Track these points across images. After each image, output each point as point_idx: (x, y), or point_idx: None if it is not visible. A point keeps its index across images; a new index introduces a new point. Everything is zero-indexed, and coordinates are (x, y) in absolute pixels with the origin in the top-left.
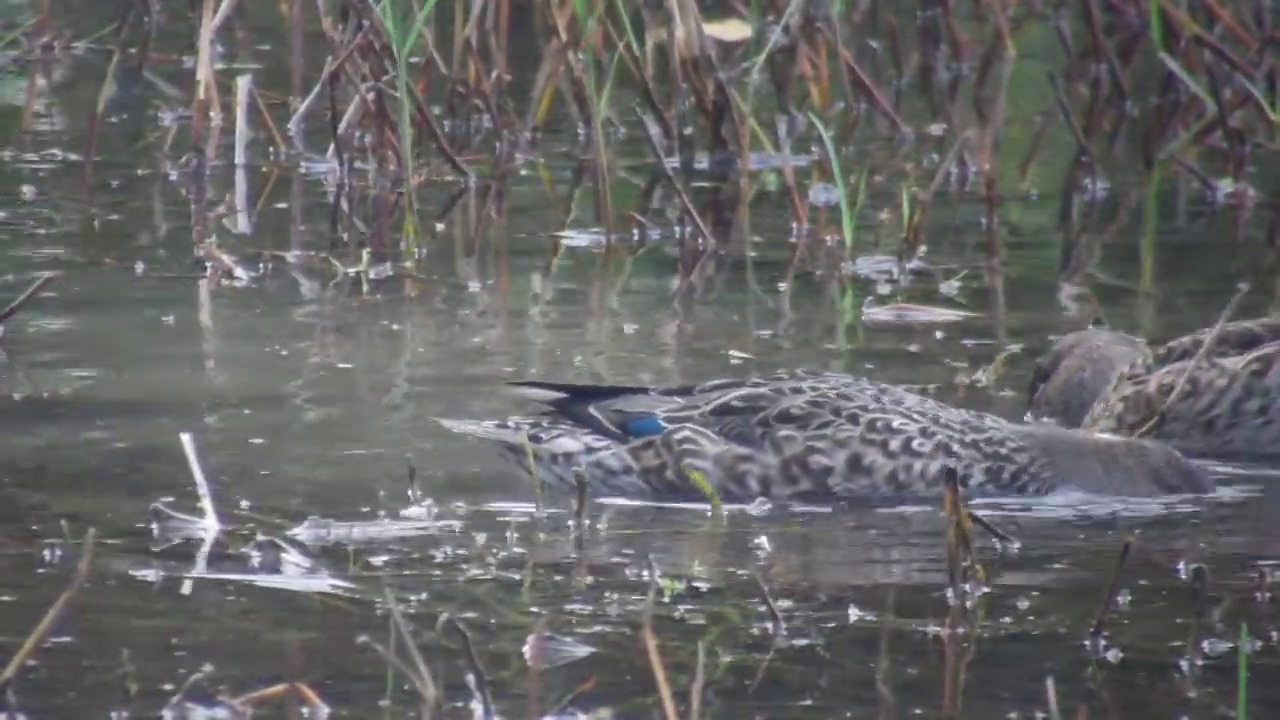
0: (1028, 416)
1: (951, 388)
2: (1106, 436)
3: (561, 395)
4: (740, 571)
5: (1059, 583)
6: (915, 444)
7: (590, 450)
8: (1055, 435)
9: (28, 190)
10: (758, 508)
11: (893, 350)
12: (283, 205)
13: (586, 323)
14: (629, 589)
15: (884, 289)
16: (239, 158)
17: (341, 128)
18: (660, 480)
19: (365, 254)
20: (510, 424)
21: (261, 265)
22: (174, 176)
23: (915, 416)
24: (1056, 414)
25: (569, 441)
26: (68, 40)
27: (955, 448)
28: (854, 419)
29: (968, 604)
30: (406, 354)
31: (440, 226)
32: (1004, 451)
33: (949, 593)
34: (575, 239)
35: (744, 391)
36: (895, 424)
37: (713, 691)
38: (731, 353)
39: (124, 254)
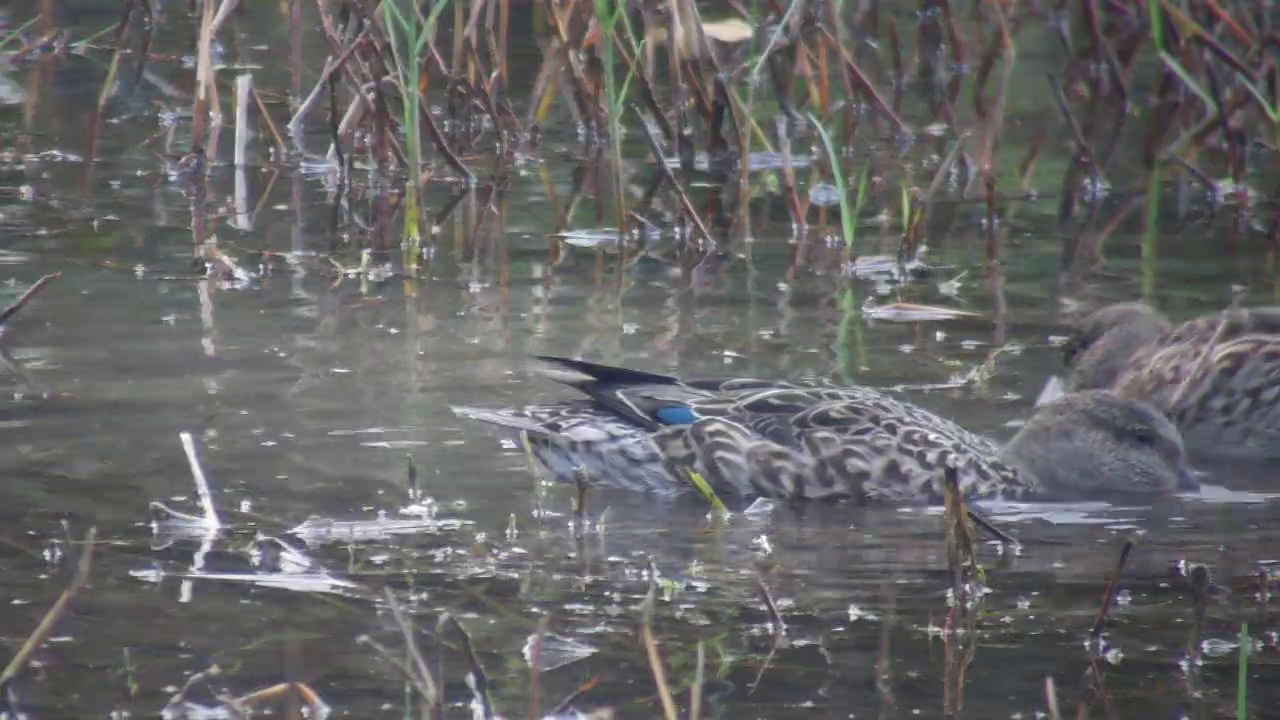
0: (1063, 383)
1: (946, 388)
2: (1034, 418)
3: (588, 377)
4: (741, 571)
5: (1059, 583)
6: (951, 459)
7: (614, 438)
8: (1011, 446)
9: (26, 190)
10: (758, 509)
11: (892, 350)
12: (283, 206)
13: (587, 323)
14: (629, 589)
15: (884, 289)
16: (239, 158)
17: (342, 128)
18: (686, 471)
19: (365, 255)
20: (527, 413)
21: (262, 266)
22: (174, 177)
23: (946, 433)
24: (1087, 387)
25: (590, 429)
26: (67, 40)
27: (984, 467)
28: (892, 429)
29: (968, 604)
30: (407, 354)
31: (440, 227)
32: (1008, 474)
33: (949, 593)
34: (584, 239)
35: (780, 390)
36: (931, 437)
37: (713, 692)
38: (726, 353)
39: (124, 255)
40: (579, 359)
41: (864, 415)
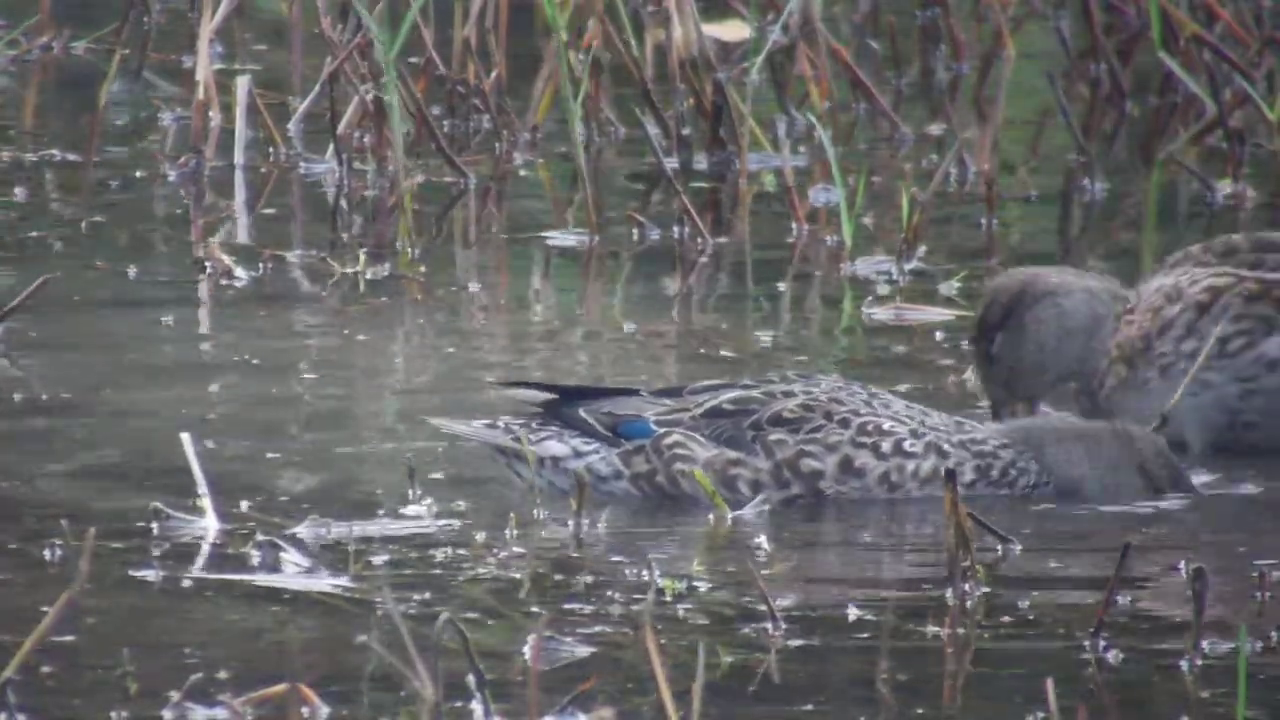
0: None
1: (946, 388)
2: (1093, 422)
3: (550, 396)
4: (740, 571)
5: (1059, 583)
6: (907, 445)
7: (578, 454)
8: (1035, 425)
9: (19, 191)
10: (757, 508)
11: (891, 350)
12: (282, 206)
13: (585, 323)
14: (629, 589)
15: (883, 289)
16: (238, 158)
17: (341, 128)
18: (651, 485)
19: (362, 255)
20: (500, 424)
21: (261, 265)
22: (173, 177)
23: (904, 419)
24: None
25: (556, 445)
26: (67, 40)
27: (945, 447)
28: (845, 423)
29: (968, 604)
30: (405, 354)
31: (439, 227)
32: (988, 449)
33: (949, 593)
34: (561, 239)
35: (735, 394)
36: (886, 426)
37: (713, 691)
38: (722, 353)
39: (122, 255)
40: (543, 380)
41: (817, 412)
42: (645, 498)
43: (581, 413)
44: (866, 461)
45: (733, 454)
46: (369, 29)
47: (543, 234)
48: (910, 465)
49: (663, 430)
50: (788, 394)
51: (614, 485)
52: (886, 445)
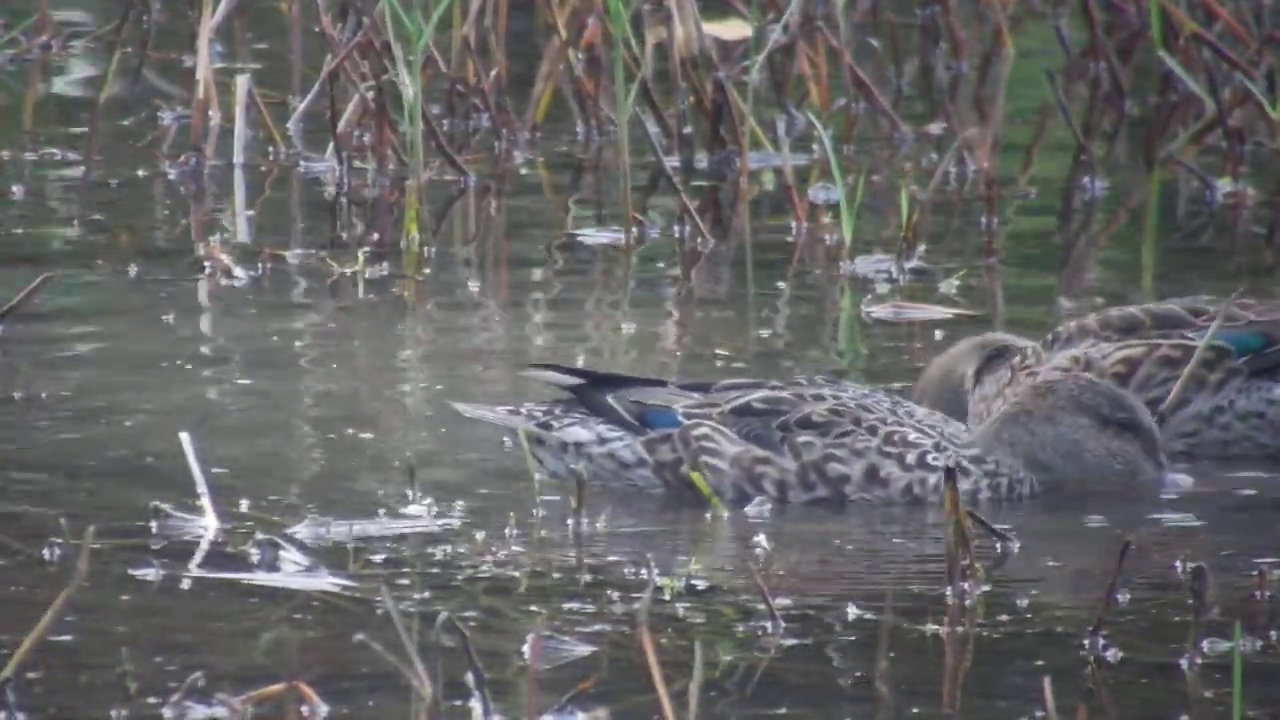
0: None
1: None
2: (1013, 401)
3: (580, 381)
4: (740, 571)
5: (1059, 582)
6: (930, 458)
7: (603, 441)
8: (989, 429)
9: (17, 190)
10: (756, 507)
11: (891, 349)
12: (282, 204)
13: (585, 322)
14: (629, 588)
15: (883, 288)
16: (238, 157)
17: (341, 126)
18: (674, 475)
19: (361, 254)
20: (522, 411)
21: (260, 265)
22: (173, 176)
23: (928, 430)
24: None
25: (581, 430)
26: (66, 39)
27: (964, 463)
28: (873, 430)
29: (967, 603)
30: (405, 353)
31: (439, 226)
32: (990, 468)
33: (948, 592)
34: (588, 237)
35: (765, 394)
36: (911, 437)
37: (712, 690)
38: (717, 351)
39: (122, 254)
40: (572, 365)
41: (846, 417)
42: (668, 487)
43: (609, 399)
44: (891, 471)
45: (760, 452)
46: (379, 26)
47: (570, 231)
48: (932, 479)
49: (691, 422)
50: (817, 397)
51: (636, 473)
52: (911, 457)
